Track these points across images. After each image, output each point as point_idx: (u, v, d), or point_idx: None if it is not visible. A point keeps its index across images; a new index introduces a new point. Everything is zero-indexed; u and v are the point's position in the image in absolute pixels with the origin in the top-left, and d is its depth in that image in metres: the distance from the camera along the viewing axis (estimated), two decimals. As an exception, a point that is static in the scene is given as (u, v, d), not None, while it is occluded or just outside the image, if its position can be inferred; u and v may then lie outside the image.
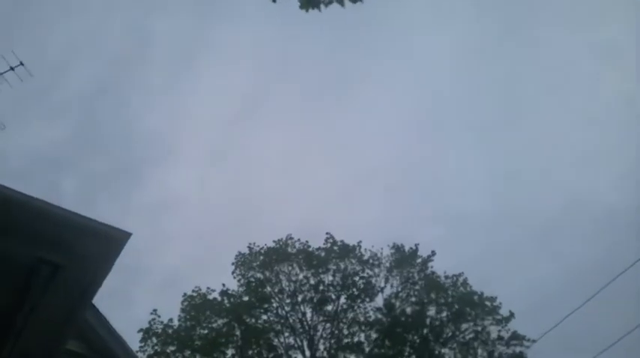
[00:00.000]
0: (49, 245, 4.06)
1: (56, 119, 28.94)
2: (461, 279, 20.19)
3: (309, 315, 20.07)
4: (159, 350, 18.49)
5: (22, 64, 8.17)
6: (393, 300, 20.12)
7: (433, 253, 20.50)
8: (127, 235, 4.16)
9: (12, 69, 8.05)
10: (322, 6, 3.86)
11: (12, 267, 4.12)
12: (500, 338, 19.22)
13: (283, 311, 20.22)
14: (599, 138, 29.50)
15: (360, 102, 34.30)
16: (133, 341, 17.41)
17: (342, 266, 20.35)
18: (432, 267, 20.45)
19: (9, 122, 7.91)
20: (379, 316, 20.00)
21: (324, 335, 19.80)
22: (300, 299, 20.21)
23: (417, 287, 20.24)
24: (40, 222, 4.01)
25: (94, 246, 4.11)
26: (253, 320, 19.79)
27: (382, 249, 20.71)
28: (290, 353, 19.73)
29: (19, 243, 4.01)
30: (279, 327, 20.08)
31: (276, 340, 19.88)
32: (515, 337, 19.06)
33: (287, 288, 20.36)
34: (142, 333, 18.53)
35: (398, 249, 20.67)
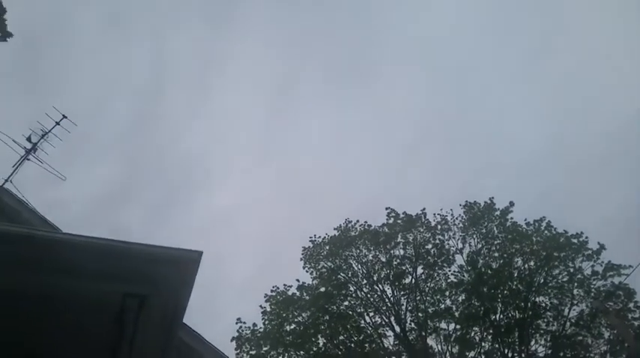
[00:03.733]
0: (131, 280, 4.25)
1: (105, 159, 30.44)
2: (544, 224, 19.45)
3: (389, 292, 20.09)
4: (254, 353, 19.13)
5: (65, 116, 8.60)
6: (475, 257, 19.75)
7: (512, 204, 19.86)
8: (198, 254, 4.28)
9: (57, 123, 8.49)
10: None
11: (104, 307, 4.35)
12: (594, 273, 18.44)
13: (362, 293, 20.34)
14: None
15: (389, 71, 33.76)
16: (229, 350, 18.14)
17: (411, 237, 20.17)
18: (511, 218, 19.84)
19: (66, 172, 8.34)
20: (463, 275, 19.67)
21: (410, 308, 19.76)
22: (375, 278, 20.24)
23: (499, 241, 19.68)
24: (119, 261, 4.20)
25: (172, 271, 4.26)
26: (335, 308, 20.04)
27: (452, 210, 20.33)
28: (379, 331, 19.86)
29: (105, 284, 4.23)
30: (362, 309, 20.24)
31: (362, 322, 20.07)
32: (610, 268, 18.22)
33: (360, 271, 20.45)
34: (234, 341, 19.26)
35: (471, 206, 20.16)
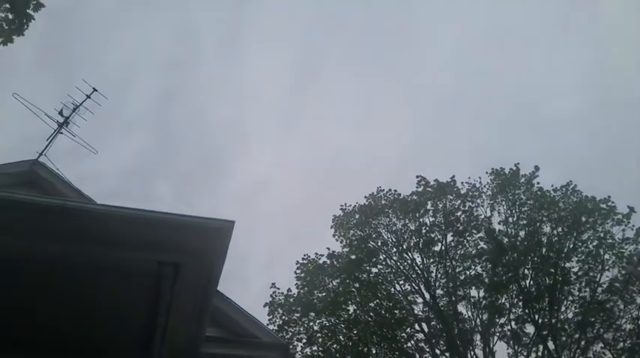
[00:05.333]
0: (166, 249, 4.31)
1: (134, 132, 30.93)
2: (570, 188, 19.06)
3: (418, 260, 20.12)
4: (286, 318, 19.56)
5: (95, 89, 8.63)
6: (502, 225, 19.58)
7: (537, 168, 19.51)
8: (231, 223, 4.30)
9: (88, 97, 8.54)
10: None
11: (140, 276, 4.45)
12: (626, 238, 18.08)
13: (392, 261, 20.43)
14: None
15: (417, 32, 32.83)
16: (262, 315, 18.61)
17: (440, 205, 20.02)
18: (537, 183, 19.49)
19: (98, 145, 8.47)
20: (484, 246, 19.63)
21: (439, 276, 19.78)
22: (405, 246, 20.26)
23: (526, 208, 19.40)
24: (154, 231, 4.26)
25: (206, 240, 4.30)
26: (365, 276, 20.21)
27: (480, 177, 20.09)
28: (409, 298, 20.00)
29: (140, 253, 4.31)
30: (392, 277, 20.37)
31: (392, 289, 20.22)
32: None
33: (389, 239, 20.49)
34: (267, 307, 19.69)
35: (498, 173, 19.85)
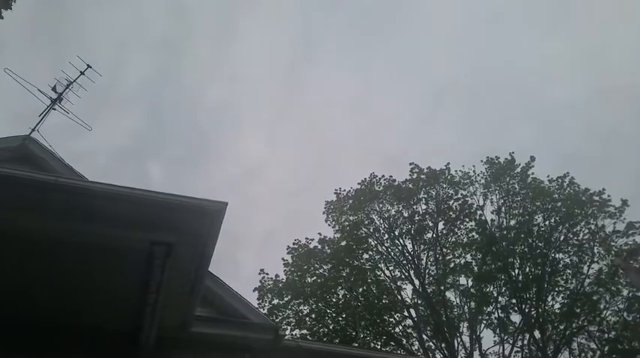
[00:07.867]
0: (158, 228, 4.30)
1: (126, 112, 30.63)
2: (567, 180, 19.13)
3: (409, 247, 20.24)
4: (276, 303, 19.71)
5: (89, 66, 8.50)
6: (494, 215, 19.69)
7: (532, 158, 19.52)
8: (223, 205, 4.30)
9: (82, 73, 8.42)
10: None
11: (132, 254, 4.44)
12: (616, 231, 18.25)
13: (383, 248, 20.54)
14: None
15: (413, 19, 32.61)
16: (251, 300, 18.68)
17: (434, 193, 20.08)
18: (532, 173, 19.54)
19: (91, 123, 8.38)
20: (475, 236, 19.75)
21: (429, 263, 19.94)
22: (397, 233, 20.37)
23: (520, 197, 19.49)
24: (147, 210, 4.24)
25: (198, 221, 4.30)
26: (355, 261, 20.33)
27: (474, 166, 20.11)
28: (399, 284, 20.17)
29: (132, 232, 4.29)
30: (382, 263, 20.51)
31: (382, 275, 20.37)
32: (632, 226, 17.98)
33: (381, 226, 20.57)
34: (257, 292, 19.81)
35: (492, 162, 19.88)
